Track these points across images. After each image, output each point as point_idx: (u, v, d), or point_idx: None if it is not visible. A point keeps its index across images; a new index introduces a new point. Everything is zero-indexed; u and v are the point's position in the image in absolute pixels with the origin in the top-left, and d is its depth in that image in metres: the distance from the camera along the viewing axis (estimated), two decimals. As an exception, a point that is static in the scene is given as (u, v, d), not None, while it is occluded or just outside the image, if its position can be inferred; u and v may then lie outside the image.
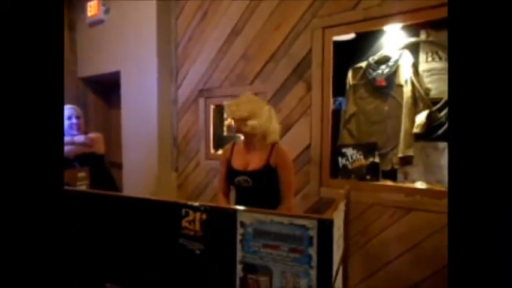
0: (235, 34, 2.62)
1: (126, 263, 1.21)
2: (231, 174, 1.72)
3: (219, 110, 3.00)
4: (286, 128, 2.33)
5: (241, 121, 1.61)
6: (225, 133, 3.06)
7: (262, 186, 1.63)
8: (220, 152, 2.90)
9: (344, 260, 1.24)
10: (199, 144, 2.90)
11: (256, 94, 2.56)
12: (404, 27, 2.20)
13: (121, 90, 3.23)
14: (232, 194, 1.80)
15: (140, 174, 3.07)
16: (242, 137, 1.72)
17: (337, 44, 2.21)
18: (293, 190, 1.70)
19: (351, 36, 2.31)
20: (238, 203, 1.69)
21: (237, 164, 1.70)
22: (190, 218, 1.11)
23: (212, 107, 2.87)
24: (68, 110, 2.24)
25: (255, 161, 1.65)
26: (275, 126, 1.69)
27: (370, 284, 2.07)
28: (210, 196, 2.81)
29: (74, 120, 2.23)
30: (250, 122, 1.59)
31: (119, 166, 3.24)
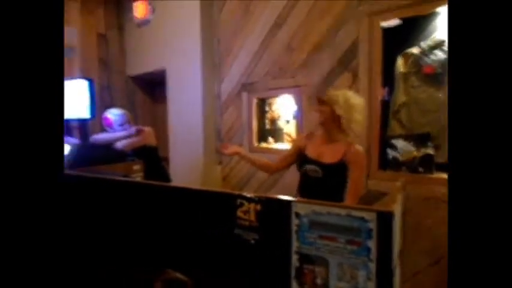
0: (278, 26, 2.60)
1: (182, 253, 1.26)
2: (301, 160, 1.74)
3: (262, 103, 3.01)
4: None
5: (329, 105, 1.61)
6: (267, 126, 3.07)
7: (331, 181, 1.62)
8: (264, 144, 2.92)
9: (401, 255, 1.20)
10: (243, 137, 2.94)
11: (299, 86, 2.55)
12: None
13: (167, 87, 3.35)
14: (290, 179, 1.80)
15: (187, 168, 3.19)
16: (321, 129, 1.72)
17: (383, 30, 2.10)
18: (360, 193, 1.64)
19: (396, 22, 2.18)
20: (302, 191, 1.72)
21: (311, 152, 1.71)
22: (245, 208, 1.13)
23: (255, 100, 2.89)
24: (120, 116, 2.52)
25: (330, 154, 1.64)
26: (358, 118, 1.63)
27: (419, 280, 1.98)
28: (254, 188, 2.84)
29: (127, 125, 2.52)
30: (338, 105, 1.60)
31: (166, 160, 3.39)
